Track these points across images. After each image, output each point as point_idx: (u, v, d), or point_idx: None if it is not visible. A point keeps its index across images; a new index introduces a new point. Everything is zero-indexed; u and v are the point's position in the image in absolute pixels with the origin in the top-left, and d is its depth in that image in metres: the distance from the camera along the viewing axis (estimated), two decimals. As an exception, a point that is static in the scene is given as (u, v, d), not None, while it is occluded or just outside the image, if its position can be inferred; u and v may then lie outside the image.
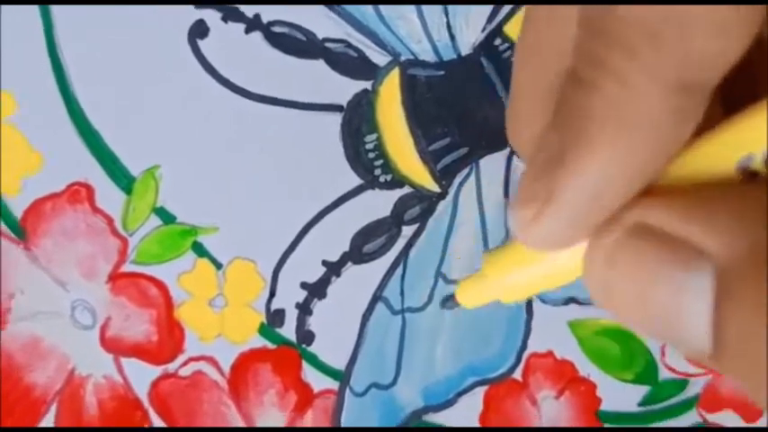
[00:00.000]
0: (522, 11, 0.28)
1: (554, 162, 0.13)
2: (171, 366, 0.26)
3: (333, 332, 0.27)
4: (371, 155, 0.27)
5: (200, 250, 0.26)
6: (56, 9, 0.26)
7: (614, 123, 0.12)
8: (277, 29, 0.27)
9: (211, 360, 0.26)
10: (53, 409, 0.26)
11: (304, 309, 0.27)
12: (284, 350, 0.27)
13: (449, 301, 0.19)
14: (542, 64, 0.14)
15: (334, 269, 0.27)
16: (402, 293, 0.27)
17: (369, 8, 0.27)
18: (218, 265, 0.27)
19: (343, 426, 0.27)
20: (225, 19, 0.27)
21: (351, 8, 0.27)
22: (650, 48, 0.11)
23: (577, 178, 0.12)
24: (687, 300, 0.12)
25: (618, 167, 0.12)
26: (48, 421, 0.26)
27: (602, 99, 0.12)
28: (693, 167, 0.13)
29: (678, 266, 0.12)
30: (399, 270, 0.27)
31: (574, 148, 0.12)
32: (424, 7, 0.27)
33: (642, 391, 0.28)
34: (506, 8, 0.28)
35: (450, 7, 0.28)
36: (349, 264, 0.27)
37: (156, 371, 0.26)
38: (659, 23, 0.11)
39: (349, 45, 0.27)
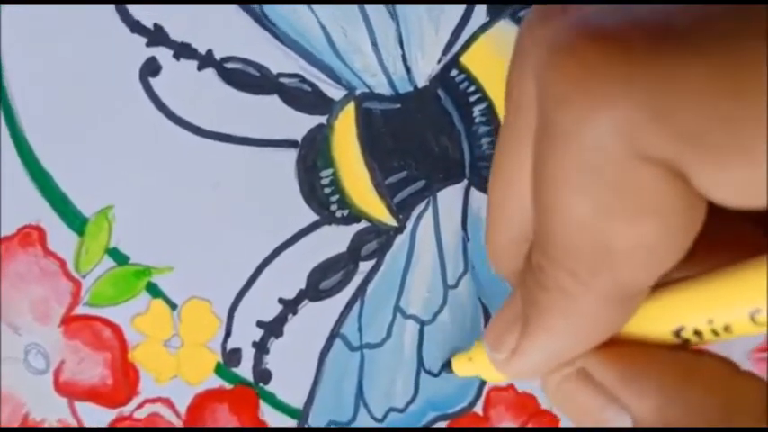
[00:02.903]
0: (479, 41, 0.28)
1: (520, 322, 0.16)
2: (126, 409, 0.26)
3: (290, 370, 0.27)
4: (327, 190, 0.27)
5: (154, 291, 0.26)
6: (5, 48, 0.26)
7: (560, 317, 0.15)
8: (230, 65, 0.27)
9: (167, 402, 0.26)
10: (7, 454, 0.26)
11: (261, 347, 0.27)
12: (241, 390, 0.26)
13: (446, 367, 0.26)
14: (509, 221, 0.17)
15: (290, 307, 0.27)
16: (360, 330, 0.27)
17: (323, 42, 0.27)
18: (173, 306, 0.26)
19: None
20: (177, 56, 0.27)
21: (304, 42, 0.27)
22: (588, 274, 0.14)
23: (535, 343, 0.16)
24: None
25: (565, 343, 0.16)
26: (3, 466, 0.26)
27: (550, 298, 0.15)
28: (638, 326, 0.16)
29: (605, 410, 0.16)
30: (357, 306, 0.27)
31: (532, 322, 0.16)
32: (379, 40, 0.27)
33: (605, 422, 0.28)
34: (462, 39, 0.28)
35: (406, 39, 0.27)
36: (306, 301, 0.27)
37: (111, 414, 0.26)
38: (594, 260, 0.14)
39: (303, 80, 0.27)
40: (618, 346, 0.16)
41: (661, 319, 0.16)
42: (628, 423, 0.15)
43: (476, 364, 0.23)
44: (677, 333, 0.15)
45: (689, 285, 0.15)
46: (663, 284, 0.15)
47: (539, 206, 0.14)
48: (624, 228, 0.13)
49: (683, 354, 0.15)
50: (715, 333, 0.15)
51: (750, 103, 0.11)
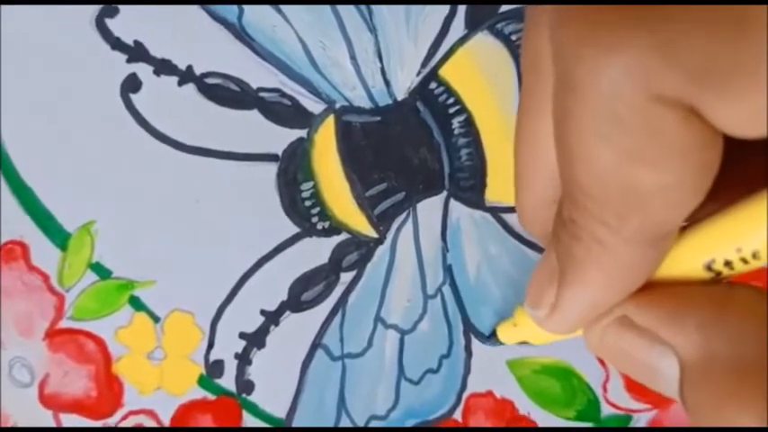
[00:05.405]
0: (457, 54, 0.28)
1: (556, 277, 0.17)
2: (111, 421, 0.26)
3: (273, 381, 0.27)
4: (308, 203, 0.28)
5: (137, 304, 0.27)
6: (-13, 65, 0.26)
7: (595, 266, 0.16)
8: (210, 80, 0.27)
9: (151, 413, 0.26)
10: (-6, 466, 0.26)
11: (243, 359, 0.27)
12: (224, 400, 0.27)
13: (491, 338, 0.26)
14: (537, 182, 0.18)
15: (272, 318, 0.27)
16: (341, 340, 0.28)
17: (302, 56, 0.27)
18: (156, 319, 0.27)
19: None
20: (157, 72, 0.27)
21: (284, 56, 0.27)
22: (618, 220, 0.14)
23: (573, 295, 0.17)
24: (657, 372, 0.16)
25: (602, 292, 0.16)
26: (-10, 478, 0.26)
27: (584, 249, 0.15)
28: (670, 267, 0.16)
29: (651, 353, 0.16)
30: (338, 317, 0.28)
31: (569, 274, 0.16)
32: (358, 54, 0.28)
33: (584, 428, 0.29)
34: (441, 51, 0.28)
35: (385, 53, 0.28)
36: (287, 312, 0.27)
37: (95, 426, 0.26)
38: (622, 204, 0.14)
39: (283, 94, 0.27)
40: (654, 290, 0.16)
41: (692, 255, 0.16)
42: (674, 363, 0.15)
43: (520, 329, 0.23)
44: (709, 267, 0.16)
45: (715, 219, 0.16)
46: (690, 224, 0.16)
47: (564, 159, 0.15)
48: (648, 171, 0.13)
49: (717, 287, 0.16)
50: (744, 261, 0.15)
51: (751, 30, 0.12)
